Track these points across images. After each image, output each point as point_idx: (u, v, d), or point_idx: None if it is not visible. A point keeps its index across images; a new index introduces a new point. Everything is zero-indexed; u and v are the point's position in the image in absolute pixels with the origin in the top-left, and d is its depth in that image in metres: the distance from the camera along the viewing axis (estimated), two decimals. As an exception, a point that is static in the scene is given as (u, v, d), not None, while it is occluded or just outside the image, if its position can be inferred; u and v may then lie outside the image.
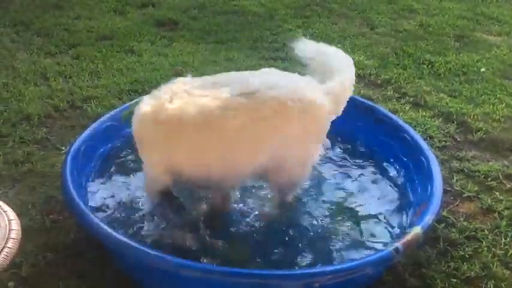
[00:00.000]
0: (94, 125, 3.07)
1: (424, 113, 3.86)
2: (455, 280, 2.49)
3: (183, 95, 2.38)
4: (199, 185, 2.60)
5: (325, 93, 2.48)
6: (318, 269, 2.33)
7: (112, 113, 3.19)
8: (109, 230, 2.29)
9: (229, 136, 2.32)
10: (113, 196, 2.82)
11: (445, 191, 2.79)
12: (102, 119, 3.14)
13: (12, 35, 5.03)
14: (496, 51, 5.00)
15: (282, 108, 2.33)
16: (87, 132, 2.99)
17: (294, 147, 2.41)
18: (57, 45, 4.82)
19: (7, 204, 2.12)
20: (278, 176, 2.53)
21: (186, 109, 2.33)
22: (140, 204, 2.77)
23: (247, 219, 2.67)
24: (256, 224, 2.65)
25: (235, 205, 2.75)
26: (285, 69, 4.43)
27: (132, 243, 2.24)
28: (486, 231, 2.78)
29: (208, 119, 2.30)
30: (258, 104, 2.32)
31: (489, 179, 3.18)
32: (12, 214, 2.00)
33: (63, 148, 3.31)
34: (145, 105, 2.44)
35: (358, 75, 4.39)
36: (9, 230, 1.91)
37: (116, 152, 3.11)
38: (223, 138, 2.33)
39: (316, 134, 2.49)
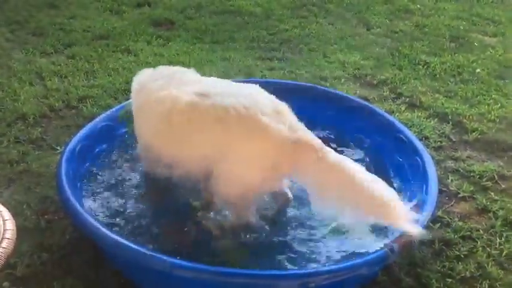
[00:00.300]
0: (90, 125, 3.07)
1: (419, 114, 3.87)
2: (450, 280, 2.50)
3: (165, 81, 2.58)
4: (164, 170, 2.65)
5: (295, 130, 2.39)
6: (314, 269, 2.33)
7: (108, 112, 3.19)
8: (104, 230, 2.29)
9: (175, 128, 2.47)
10: (108, 196, 2.81)
11: (440, 191, 2.80)
12: (97, 118, 3.13)
13: (7, 34, 5.02)
14: (491, 52, 5.02)
15: (222, 114, 2.37)
16: (82, 132, 2.99)
17: (227, 158, 2.38)
18: (53, 44, 4.81)
19: (2, 204, 2.11)
20: (212, 183, 2.48)
21: (153, 94, 2.55)
22: (136, 204, 2.77)
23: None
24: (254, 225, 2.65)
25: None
26: (281, 68, 4.50)
27: (127, 243, 2.23)
28: (481, 231, 2.80)
29: (161, 107, 2.49)
30: (205, 104, 2.41)
31: (484, 179, 3.19)
32: (7, 214, 1.99)
33: (59, 148, 3.30)
34: (137, 78, 2.77)
35: (354, 76, 4.47)
36: (4, 230, 1.91)
37: (111, 151, 3.10)
38: (171, 129, 2.48)
39: (254, 156, 2.38)
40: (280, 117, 2.41)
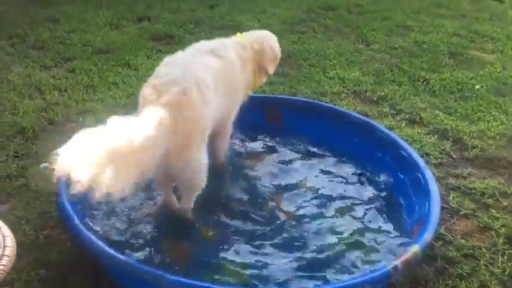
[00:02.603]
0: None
1: (419, 130, 3.87)
2: (453, 299, 2.48)
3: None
4: None
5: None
6: (317, 286, 2.30)
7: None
8: (104, 246, 2.26)
9: None
10: (108, 211, 2.78)
11: (441, 208, 2.77)
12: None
13: (8, 47, 5.02)
14: (490, 69, 5.05)
15: None
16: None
17: None
18: (53, 58, 4.81)
19: (1, 219, 2.09)
20: None
21: None
22: (134, 220, 2.74)
23: (245, 236, 2.66)
24: (256, 239, 2.63)
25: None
26: (281, 84, 4.50)
27: (126, 259, 2.21)
28: (483, 249, 2.78)
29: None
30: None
31: (485, 197, 3.18)
32: (6, 231, 1.97)
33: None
34: None
35: (354, 92, 4.47)
36: (4, 246, 1.88)
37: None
38: None
39: None
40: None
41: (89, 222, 2.66)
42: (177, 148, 2.40)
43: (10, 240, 1.92)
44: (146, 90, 2.49)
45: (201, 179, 2.60)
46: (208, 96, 2.55)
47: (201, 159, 2.56)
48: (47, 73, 4.54)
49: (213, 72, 2.69)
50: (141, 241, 2.62)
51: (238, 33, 3.19)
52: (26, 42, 5.15)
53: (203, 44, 2.93)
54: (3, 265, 1.81)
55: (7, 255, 1.85)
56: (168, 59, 2.69)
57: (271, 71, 3.20)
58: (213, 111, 2.61)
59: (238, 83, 2.97)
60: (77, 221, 2.39)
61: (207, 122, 2.56)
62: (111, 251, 2.24)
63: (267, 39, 3.20)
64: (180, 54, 2.79)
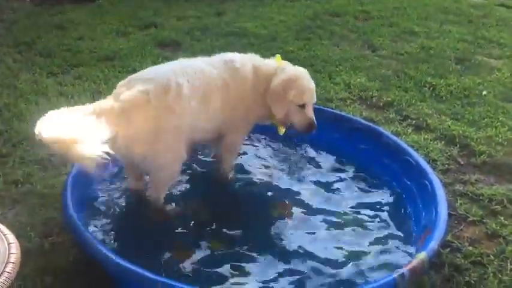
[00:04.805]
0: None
1: (426, 136, 3.85)
2: (461, 307, 2.45)
3: None
4: None
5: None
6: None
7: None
8: (109, 253, 2.26)
9: None
10: (113, 217, 2.79)
11: (449, 215, 2.76)
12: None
13: (15, 55, 5.05)
14: (497, 74, 5.02)
15: None
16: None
17: None
18: (60, 65, 4.83)
19: (6, 226, 2.09)
20: None
21: None
22: (141, 225, 2.74)
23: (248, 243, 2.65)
24: (259, 250, 2.62)
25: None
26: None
27: (131, 266, 2.20)
28: (492, 257, 2.75)
29: None
30: None
31: (493, 203, 3.15)
32: (11, 237, 1.97)
33: (64, 168, 3.28)
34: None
35: (359, 97, 4.45)
36: (9, 254, 1.88)
37: (117, 172, 3.09)
38: None
39: None
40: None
41: (93, 228, 2.66)
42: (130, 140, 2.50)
43: (15, 247, 1.92)
44: (122, 81, 2.61)
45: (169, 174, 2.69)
46: (177, 102, 2.56)
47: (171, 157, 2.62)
48: (53, 80, 4.56)
49: (207, 82, 2.69)
50: (145, 247, 2.62)
51: (278, 55, 3.01)
52: (33, 49, 5.18)
53: (226, 54, 2.91)
54: (8, 272, 1.82)
55: (12, 262, 1.85)
56: (179, 59, 2.82)
57: (274, 109, 2.86)
58: (192, 119, 2.64)
59: (245, 98, 2.84)
60: (83, 228, 2.40)
61: (166, 124, 2.55)
62: (117, 257, 2.24)
63: (293, 73, 2.88)
64: (192, 59, 2.86)
